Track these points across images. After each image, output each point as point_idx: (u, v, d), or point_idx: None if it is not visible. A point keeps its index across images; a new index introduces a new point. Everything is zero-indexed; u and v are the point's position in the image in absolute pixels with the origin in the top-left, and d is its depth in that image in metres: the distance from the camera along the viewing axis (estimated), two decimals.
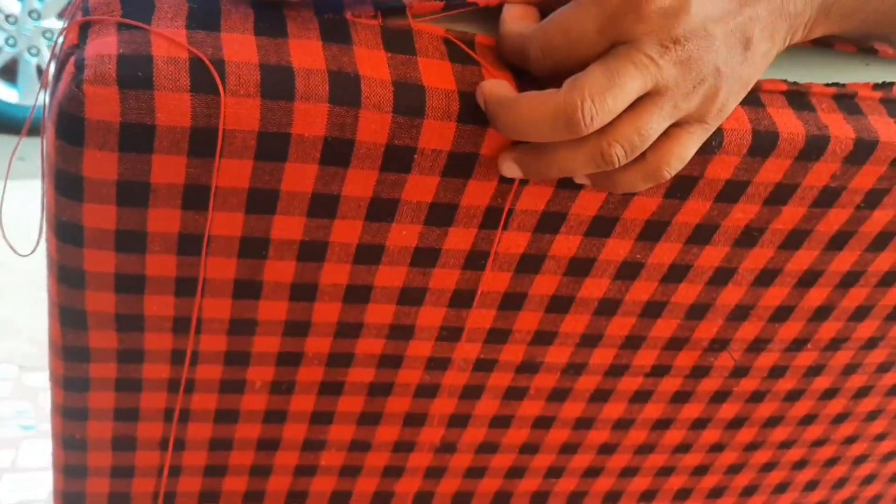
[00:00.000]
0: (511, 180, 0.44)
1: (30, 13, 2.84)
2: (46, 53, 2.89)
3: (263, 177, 0.41)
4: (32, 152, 0.51)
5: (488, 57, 0.43)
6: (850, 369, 0.60)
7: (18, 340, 1.79)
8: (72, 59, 0.38)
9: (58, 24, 2.87)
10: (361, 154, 0.41)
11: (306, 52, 0.40)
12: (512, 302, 0.50)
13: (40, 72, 2.90)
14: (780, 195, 0.47)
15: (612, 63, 0.39)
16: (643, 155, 0.41)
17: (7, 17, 2.84)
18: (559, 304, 0.51)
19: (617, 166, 0.40)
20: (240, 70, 0.38)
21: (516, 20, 0.43)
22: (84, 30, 0.39)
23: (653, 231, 0.48)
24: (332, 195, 0.43)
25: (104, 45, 0.38)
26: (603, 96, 0.38)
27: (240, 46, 0.39)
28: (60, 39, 0.40)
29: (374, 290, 0.48)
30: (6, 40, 2.86)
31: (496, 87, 0.41)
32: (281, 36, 0.40)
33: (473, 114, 0.41)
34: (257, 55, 0.39)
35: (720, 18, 0.40)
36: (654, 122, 0.40)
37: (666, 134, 0.41)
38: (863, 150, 0.45)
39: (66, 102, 0.38)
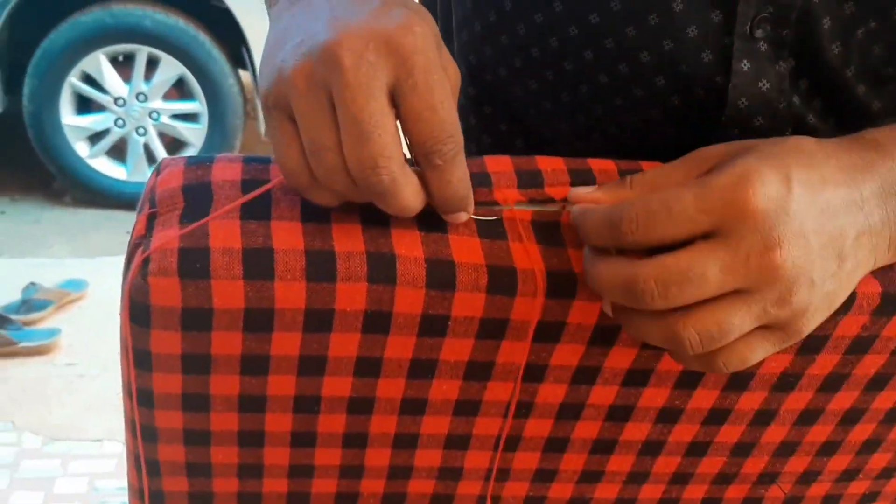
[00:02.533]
0: (543, 339, 0.46)
1: (137, 95, 3.02)
2: (153, 132, 3.06)
3: (312, 345, 0.45)
4: None
5: (522, 231, 0.46)
6: None
7: (122, 417, 1.88)
8: (139, 251, 0.43)
9: (163, 106, 3.04)
10: (399, 323, 0.44)
11: (347, 236, 0.44)
12: (556, 445, 0.52)
13: (147, 150, 3.08)
14: (812, 345, 0.48)
15: (698, 257, 0.39)
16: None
17: (116, 99, 3.03)
18: (603, 446, 0.53)
19: (689, 353, 0.40)
20: (287, 257, 0.42)
21: (611, 191, 0.44)
22: (151, 221, 0.44)
23: (688, 379, 0.49)
24: (374, 358, 0.46)
25: (167, 239, 0.43)
26: (670, 285, 0.38)
27: (287, 235, 0.43)
28: (131, 230, 0.45)
29: (421, 437, 0.51)
30: (115, 121, 3.05)
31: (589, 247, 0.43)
32: (325, 221, 0.44)
33: (503, 285, 0.44)
34: (303, 241, 0.43)
35: (816, 227, 0.40)
36: (738, 320, 0.39)
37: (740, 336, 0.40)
38: (890, 303, 0.46)
39: (134, 291, 0.42)
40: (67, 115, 3.02)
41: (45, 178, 3.18)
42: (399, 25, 0.40)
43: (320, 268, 0.43)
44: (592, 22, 0.52)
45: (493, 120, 0.61)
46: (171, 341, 0.44)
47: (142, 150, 3.08)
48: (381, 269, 0.43)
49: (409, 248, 0.44)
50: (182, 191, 0.45)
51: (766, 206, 0.38)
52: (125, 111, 3.03)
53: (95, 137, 3.07)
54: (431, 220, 0.45)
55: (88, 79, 3.00)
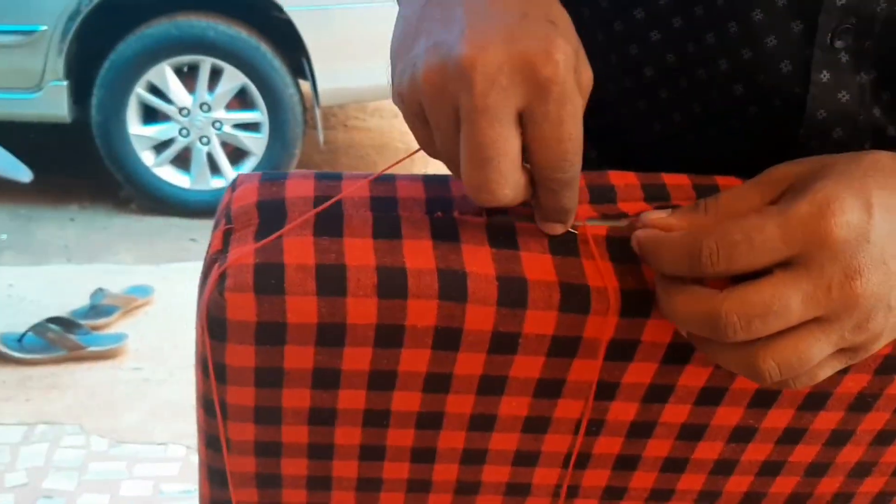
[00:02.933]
0: (615, 357, 0.46)
1: (200, 106, 3.08)
2: (216, 142, 3.11)
3: (382, 360, 0.45)
4: (204, 234, 0.57)
5: (594, 247, 0.45)
6: None
7: (187, 422, 1.92)
8: (216, 267, 0.43)
9: (226, 115, 3.10)
10: (470, 340, 0.44)
11: (418, 252, 0.44)
12: (627, 463, 0.52)
13: (210, 159, 3.13)
14: (890, 365, 0.46)
15: (782, 288, 0.38)
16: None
17: (181, 109, 3.09)
18: (674, 465, 0.52)
19: (767, 383, 0.40)
20: (359, 274, 0.43)
21: (686, 217, 0.43)
22: (227, 236, 0.45)
23: (763, 398, 0.48)
24: (445, 374, 0.46)
25: (243, 255, 0.43)
26: (753, 318, 0.38)
27: (359, 251, 0.44)
28: (207, 244, 0.46)
29: (490, 453, 0.51)
30: (180, 131, 3.11)
31: (662, 276, 0.42)
32: (396, 237, 0.44)
33: (575, 303, 0.44)
34: (374, 258, 0.43)
35: (895, 253, 0.39)
36: (818, 350, 0.39)
37: None
38: None
39: (212, 306, 0.43)
40: (134, 125, 3.09)
41: (113, 187, 3.26)
42: (539, 50, 0.38)
43: (391, 284, 0.43)
44: (675, 26, 0.51)
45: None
46: (245, 355, 0.44)
47: (205, 159, 3.13)
48: (453, 287, 0.43)
49: (480, 265, 0.44)
50: (257, 207, 0.45)
51: (848, 235, 0.38)
52: (189, 121, 3.09)
53: (161, 147, 3.14)
54: (503, 235, 0.45)
55: (154, 89, 3.07)
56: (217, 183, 3.14)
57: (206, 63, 3.04)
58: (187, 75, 3.08)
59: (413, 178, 0.48)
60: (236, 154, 3.18)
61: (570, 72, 0.39)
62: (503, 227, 0.45)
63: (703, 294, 0.40)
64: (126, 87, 3.04)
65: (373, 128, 4.11)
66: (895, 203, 0.40)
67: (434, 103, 0.40)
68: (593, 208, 0.47)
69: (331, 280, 0.43)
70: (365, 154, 3.86)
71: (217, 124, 3.11)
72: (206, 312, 0.43)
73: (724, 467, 0.52)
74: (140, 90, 3.06)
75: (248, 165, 3.14)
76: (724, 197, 0.43)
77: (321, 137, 3.30)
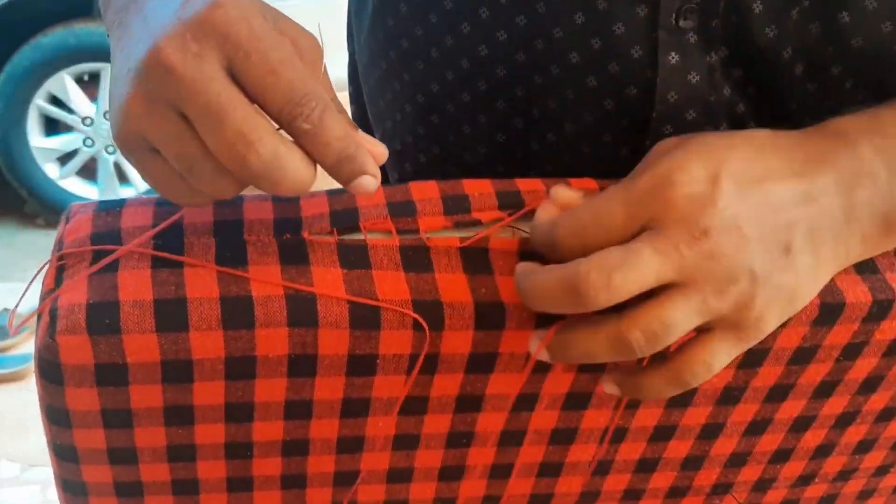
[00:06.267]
0: (476, 370, 0.45)
1: (104, 114, 3.00)
2: None
3: (237, 393, 0.44)
4: None
5: (449, 260, 0.44)
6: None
7: None
8: (47, 308, 0.41)
9: None
10: (326, 364, 0.43)
11: (265, 279, 0.42)
12: (502, 471, 0.51)
13: (118, 168, 3.05)
14: (753, 359, 0.47)
15: (632, 244, 0.39)
16: (669, 357, 0.40)
17: (84, 119, 3.00)
18: (548, 469, 0.51)
19: (637, 355, 0.39)
20: (202, 306, 0.41)
21: (548, 212, 0.43)
22: (59, 273, 0.43)
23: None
24: (304, 400, 0.45)
25: (75, 293, 0.41)
26: (611, 272, 0.37)
27: (201, 282, 0.42)
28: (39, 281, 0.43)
29: (361, 473, 0.49)
30: (84, 141, 3.02)
31: (522, 265, 0.42)
32: (241, 264, 0.43)
33: (427, 319, 0.43)
34: (218, 288, 0.42)
35: (753, 219, 0.39)
36: (679, 314, 0.38)
37: (696, 339, 0.40)
38: (829, 313, 0.45)
39: (43, 350, 0.41)
40: (35, 138, 2.98)
41: (17, 202, 3.15)
42: (206, 7, 0.37)
43: (237, 315, 0.41)
44: (520, 25, 0.51)
45: (427, 141, 0.59)
46: (87, 398, 0.42)
47: (112, 169, 3.05)
48: (302, 312, 0.42)
49: (330, 287, 0.42)
50: (91, 239, 0.43)
51: (690, 199, 0.38)
52: (93, 130, 3.00)
53: (65, 158, 3.04)
54: (354, 255, 0.44)
55: (55, 100, 2.97)
56: (127, 192, 3.05)
57: (108, 70, 2.95)
58: (89, 83, 2.98)
59: (262, 198, 0.47)
60: None
61: (250, 13, 0.37)
62: (354, 247, 0.44)
63: (558, 265, 0.40)
64: (25, 99, 2.93)
65: None
66: (755, 174, 0.40)
67: (149, 116, 0.37)
68: (447, 219, 0.46)
69: (170, 315, 0.41)
70: None
71: None
72: (38, 357, 0.41)
73: (601, 468, 0.52)
74: (40, 101, 2.95)
75: None
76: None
77: None
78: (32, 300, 0.44)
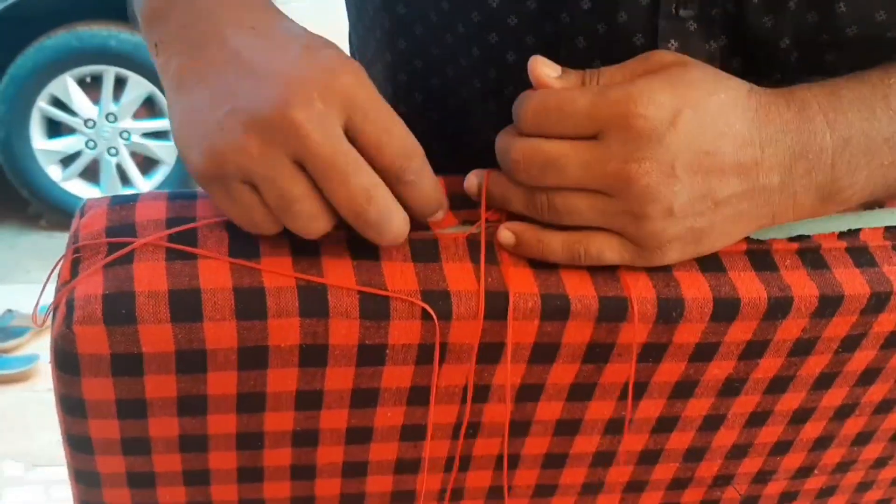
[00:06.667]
0: (485, 361, 0.46)
1: (107, 116, 3.01)
2: (125, 152, 3.04)
3: (249, 383, 0.44)
4: None
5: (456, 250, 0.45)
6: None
7: None
8: (63, 299, 0.42)
9: (134, 125, 3.03)
10: (336, 355, 0.44)
11: (277, 270, 0.43)
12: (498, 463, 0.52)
13: (120, 170, 3.06)
14: (753, 350, 0.47)
15: (566, 150, 0.43)
16: (571, 229, 0.45)
17: (86, 121, 3.00)
18: (554, 461, 0.52)
19: (539, 217, 0.45)
20: (215, 297, 0.42)
21: (569, 80, 0.46)
22: (75, 265, 0.43)
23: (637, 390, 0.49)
24: (315, 390, 0.46)
25: (91, 284, 0.42)
26: (532, 165, 0.43)
27: (215, 273, 0.43)
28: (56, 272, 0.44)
29: (370, 464, 0.50)
30: (87, 143, 3.03)
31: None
32: (254, 256, 0.44)
33: (436, 310, 0.43)
34: (231, 279, 0.42)
35: (690, 164, 0.42)
36: (583, 206, 0.43)
37: (602, 230, 0.44)
38: (828, 306, 0.46)
39: (60, 340, 0.42)
40: (38, 140, 2.99)
41: (20, 204, 3.16)
42: (334, 68, 0.42)
43: (250, 306, 0.42)
44: (531, 7, 0.52)
45: (409, 89, 0.61)
46: (103, 388, 0.43)
47: (114, 171, 3.05)
48: (313, 303, 0.43)
49: (340, 278, 0.43)
50: (105, 233, 0.44)
51: (644, 127, 0.41)
52: (96, 132, 3.01)
53: (68, 160, 3.04)
54: (363, 247, 0.44)
55: (57, 102, 2.98)
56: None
57: (110, 73, 2.96)
58: (91, 86, 2.99)
59: None
60: (147, 163, 3.10)
61: (366, 77, 0.42)
62: (364, 239, 0.45)
63: (510, 136, 0.45)
64: (28, 101, 2.94)
65: None
66: (715, 128, 0.43)
67: (263, 157, 0.41)
68: (455, 216, 0.47)
69: (185, 306, 0.42)
70: None
71: (125, 134, 3.03)
72: (55, 347, 0.42)
73: (602, 459, 0.53)
74: (42, 104, 2.96)
75: (159, 174, 3.07)
76: (607, 71, 0.46)
77: None
78: (34, 301, 0.45)
